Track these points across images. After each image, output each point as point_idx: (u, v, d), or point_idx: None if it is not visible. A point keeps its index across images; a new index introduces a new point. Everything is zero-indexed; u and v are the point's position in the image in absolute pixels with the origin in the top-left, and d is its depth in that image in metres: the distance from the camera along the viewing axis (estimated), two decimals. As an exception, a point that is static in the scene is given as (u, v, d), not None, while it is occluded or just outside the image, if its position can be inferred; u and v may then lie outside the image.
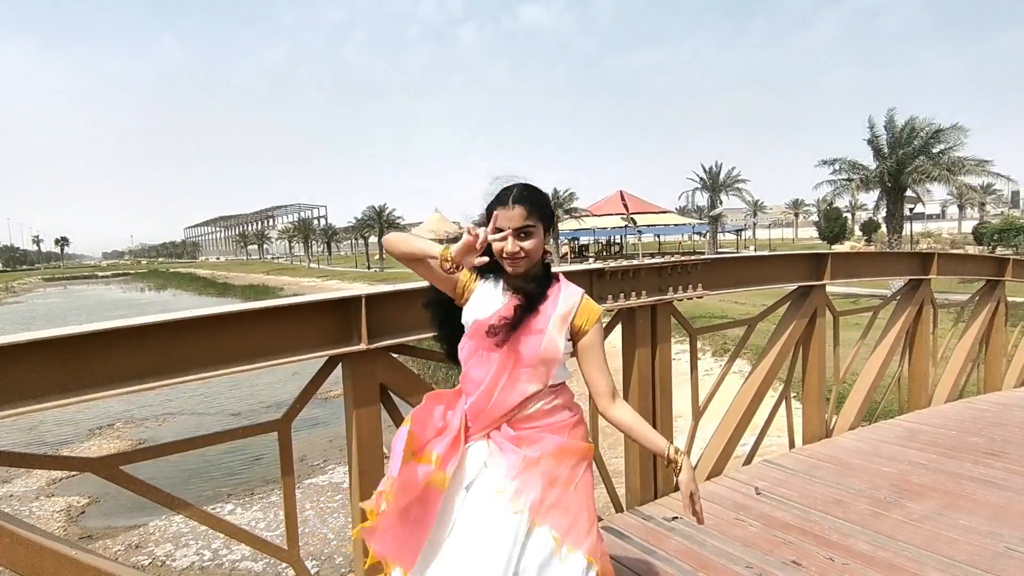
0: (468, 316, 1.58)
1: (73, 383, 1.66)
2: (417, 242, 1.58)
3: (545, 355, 1.53)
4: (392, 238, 1.60)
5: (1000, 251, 26.23)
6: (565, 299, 1.57)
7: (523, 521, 1.45)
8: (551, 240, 1.62)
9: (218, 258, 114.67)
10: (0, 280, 72.99)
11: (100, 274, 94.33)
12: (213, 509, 7.87)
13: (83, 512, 8.07)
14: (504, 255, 1.52)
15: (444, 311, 1.65)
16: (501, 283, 1.60)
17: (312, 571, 6.56)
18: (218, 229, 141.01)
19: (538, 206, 1.54)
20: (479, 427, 1.55)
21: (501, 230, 1.51)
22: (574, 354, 1.60)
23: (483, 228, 1.46)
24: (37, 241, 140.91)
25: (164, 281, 65.97)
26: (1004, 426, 3.95)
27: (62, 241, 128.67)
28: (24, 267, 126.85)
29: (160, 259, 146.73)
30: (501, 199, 1.53)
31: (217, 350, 1.87)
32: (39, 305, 45.61)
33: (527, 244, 1.52)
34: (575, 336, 1.57)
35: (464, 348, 1.59)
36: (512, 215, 1.50)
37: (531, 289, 1.55)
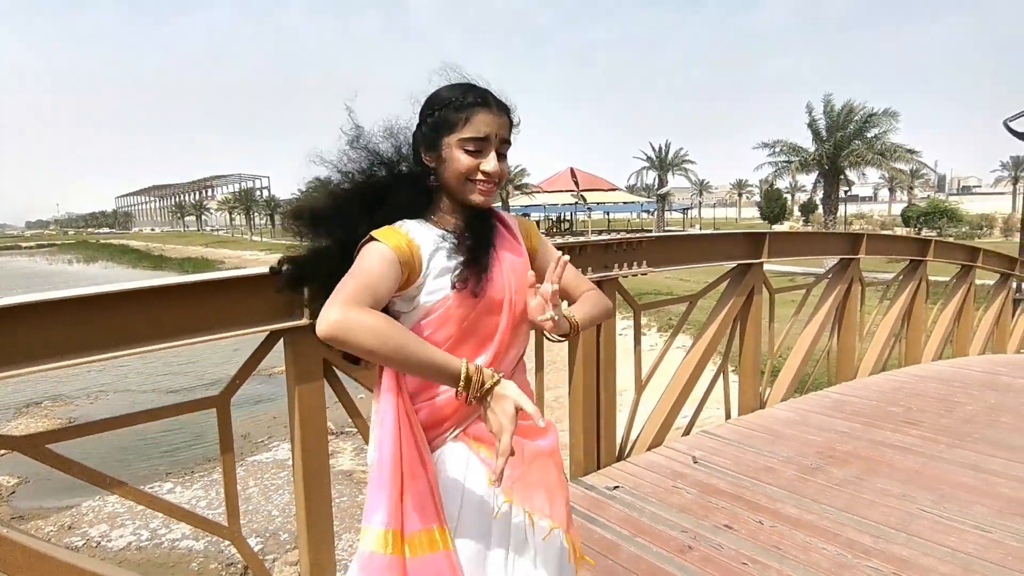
0: (431, 289, 1.13)
1: (-8, 359, 1.57)
2: (415, 342, 1.01)
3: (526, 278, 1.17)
4: (365, 326, 0.97)
5: (925, 233, 27.81)
6: (504, 219, 1.26)
7: (528, 522, 1.19)
8: None
9: (153, 229, 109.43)
10: (-92, 250, 67.64)
11: (24, 245, 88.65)
12: (150, 488, 7.64)
13: (13, 492, 7.72)
14: (479, 177, 1.13)
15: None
16: (431, 227, 1.17)
17: (256, 548, 6.51)
18: (152, 199, 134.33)
19: (512, 120, 1.19)
20: (449, 425, 1.17)
21: (481, 140, 1.11)
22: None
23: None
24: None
25: (94, 253, 62.65)
26: (921, 396, 4.23)
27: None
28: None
29: (89, 230, 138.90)
30: (480, 99, 1.12)
31: (151, 324, 1.79)
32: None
33: (504, 165, 1.15)
34: (534, 259, 1.28)
35: (446, 324, 1.13)
36: (501, 122, 1.13)
37: (481, 215, 1.19)
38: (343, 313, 0.97)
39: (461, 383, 1.02)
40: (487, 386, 1.03)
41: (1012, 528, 2.43)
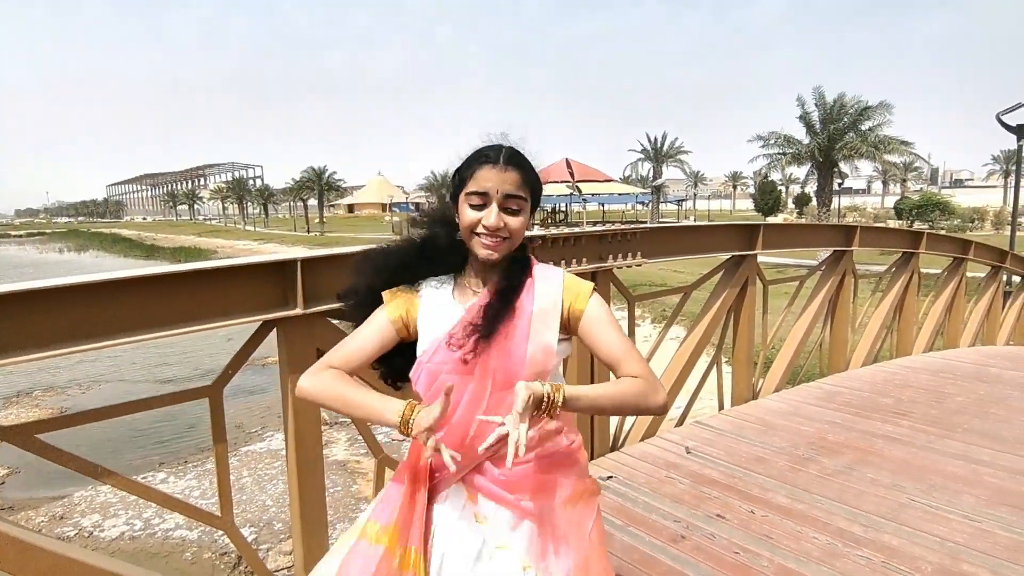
0: (421, 344, 1.23)
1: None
2: (356, 396, 1.18)
3: (534, 362, 1.17)
4: (317, 388, 1.20)
5: (917, 225, 27.94)
6: (544, 283, 1.22)
7: None
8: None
9: (144, 218, 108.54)
10: None
11: (13, 233, 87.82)
12: (143, 478, 7.63)
13: (3, 483, 7.69)
14: (480, 231, 1.16)
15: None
16: (451, 286, 1.26)
17: (250, 537, 6.51)
18: (144, 187, 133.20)
19: (532, 177, 1.19)
20: (447, 474, 1.19)
21: (482, 195, 1.15)
22: (570, 346, 1.27)
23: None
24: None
25: (85, 242, 62.18)
26: (911, 388, 4.27)
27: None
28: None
29: (80, 218, 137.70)
30: (486, 156, 1.17)
31: (144, 313, 1.78)
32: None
33: (513, 221, 1.16)
34: (570, 322, 1.22)
35: (420, 377, 1.21)
36: (504, 178, 1.15)
37: (502, 282, 1.20)
38: (302, 382, 1.22)
39: (399, 420, 1.12)
40: (415, 417, 1.11)
41: (1000, 518, 2.46)
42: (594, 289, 1.26)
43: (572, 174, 33.30)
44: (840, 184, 26.79)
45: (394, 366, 1.30)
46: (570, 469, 1.24)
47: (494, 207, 1.15)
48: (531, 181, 1.19)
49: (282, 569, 5.59)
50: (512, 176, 1.16)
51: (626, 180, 52.44)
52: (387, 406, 1.14)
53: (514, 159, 1.18)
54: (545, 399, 1.06)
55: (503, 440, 1.03)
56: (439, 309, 1.23)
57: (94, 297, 1.72)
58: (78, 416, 1.78)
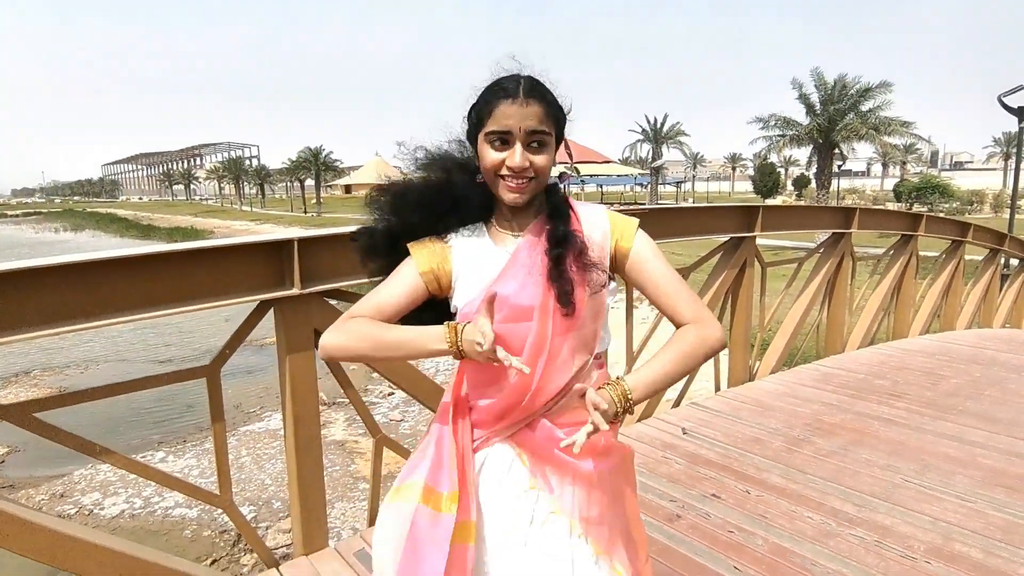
0: (462, 296, 1.12)
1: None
2: (390, 335, 1.07)
3: (597, 302, 1.10)
4: (343, 339, 1.08)
5: (916, 208, 27.92)
6: (589, 221, 1.13)
7: (584, 549, 1.09)
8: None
9: (140, 198, 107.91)
10: None
11: (9, 213, 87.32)
12: (142, 457, 7.68)
13: (2, 462, 7.72)
14: (505, 172, 1.06)
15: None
16: (484, 233, 1.15)
17: (249, 516, 6.56)
18: (140, 167, 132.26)
19: (555, 109, 1.08)
20: (500, 427, 1.11)
21: (503, 133, 1.04)
22: (619, 287, 1.18)
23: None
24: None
25: (81, 221, 61.88)
26: (907, 370, 4.29)
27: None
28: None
29: (76, 198, 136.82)
30: (504, 89, 1.05)
31: (142, 293, 1.78)
32: (-62, 245, 42.02)
33: (539, 159, 1.06)
34: (616, 259, 1.14)
35: None
36: (526, 113, 1.03)
37: (550, 220, 1.11)
38: (325, 338, 1.08)
39: (448, 343, 1.03)
40: (462, 335, 1.03)
41: (992, 498, 2.48)
42: (639, 225, 1.16)
43: (570, 155, 32.90)
44: (840, 166, 26.68)
45: (424, 323, 1.12)
46: (616, 433, 1.18)
47: (518, 146, 1.04)
48: (555, 113, 1.08)
49: (281, 547, 5.65)
50: (534, 110, 1.04)
51: (625, 161, 52.17)
52: (429, 334, 1.05)
53: (536, 90, 1.06)
54: (617, 408, 1.03)
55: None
56: (478, 257, 1.12)
57: (91, 276, 1.71)
58: (77, 395, 1.78)
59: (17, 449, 7.87)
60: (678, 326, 1.14)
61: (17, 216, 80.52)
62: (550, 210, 1.13)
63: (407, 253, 1.14)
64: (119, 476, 7.07)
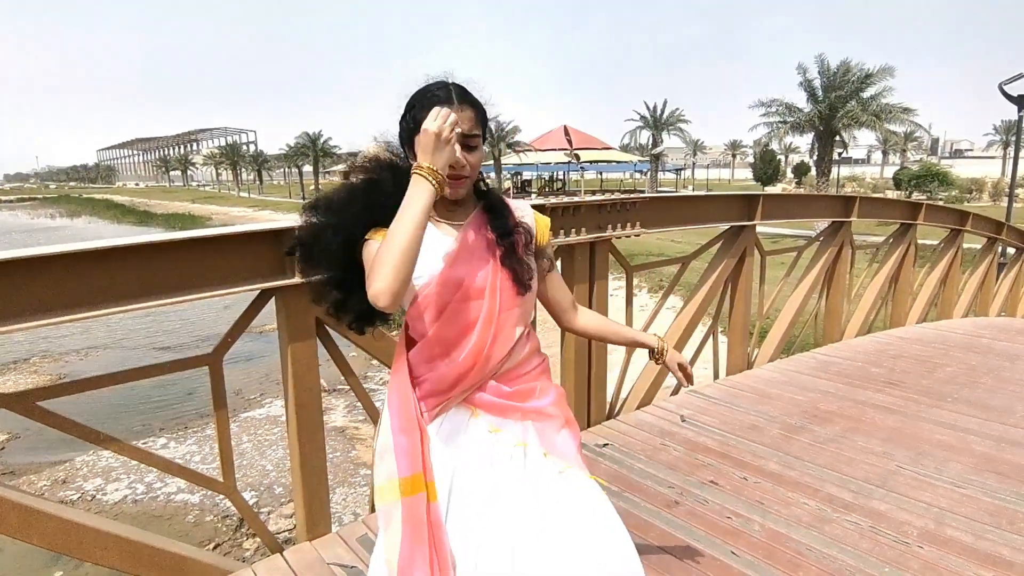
0: (417, 273, 1.18)
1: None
2: (392, 226, 1.12)
3: (532, 285, 1.30)
4: (381, 271, 1.09)
5: (916, 196, 27.88)
6: (521, 212, 1.33)
7: (550, 465, 1.29)
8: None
9: (137, 184, 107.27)
10: None
11: (4, 199, 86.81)
12: (144, 444, 7.71)
13: (3, 448, 7.76)
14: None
15: (343, 267, 1.25)
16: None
17: (251, 501, 6.60)
18: (136, 152, 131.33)
19: (483, 113, 1.23)
20: (455, 393, 1.26)
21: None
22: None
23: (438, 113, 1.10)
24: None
25: (77, 208, 61.62)
26: (904, 358, 4.31)
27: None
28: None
29: (71, 183, 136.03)
30: (439, 97, 1.18)
31: (141, 281, 1.78)
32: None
33: (472, 158, 1.21)
34: (537, 255, 1.35)
35: (427, 307, 1.24)
36: (460, 117, 1.16)
37: (491, 213, 1.28)
38: (375, 289, 1.09)
39: (429, 179, 1.12)
40: (435, 166, 1.12)
41: (984, 484, 2.51)
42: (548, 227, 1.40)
43: (571, 142, 32.92)
44: (840, 154, 26.59)
45: (362, 310, 1.25)
46: (547, 377, 1.39)
47: (456, 147, 1.15)
48: (483, 117, 1.23)
49: (283, 531, 5.71)
50: (468, 114, 1.19)
51: (625, 148, 51.98)
52: (411, 193, 1.11)
53: (467, 97, 1.21)
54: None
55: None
56: (428, 239, 1.18)
57: (91, 265, 1.71)
58: (79, 383, 1.79)
59: (17, 436, 7.90)
60: (562, 306, 1.46)
61: (11, 202, 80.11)
62: (489, 203, 1.30)
63: (344, 253, 1.23)
64: (121, 462, 7.11)
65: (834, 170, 27.18)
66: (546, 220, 1.38)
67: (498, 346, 1.25)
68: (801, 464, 2.70)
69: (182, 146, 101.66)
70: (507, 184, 42.95)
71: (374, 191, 1.25)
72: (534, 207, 1.41)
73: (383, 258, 1.09)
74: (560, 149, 37.74)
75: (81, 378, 1.82)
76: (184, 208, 48.71)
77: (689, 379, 1.50)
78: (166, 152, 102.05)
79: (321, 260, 1.26)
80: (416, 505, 1.22)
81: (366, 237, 1.23)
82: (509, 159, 40.24)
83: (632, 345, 1.59)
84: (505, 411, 1.28)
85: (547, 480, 1.27)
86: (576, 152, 34.27)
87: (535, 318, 1.39)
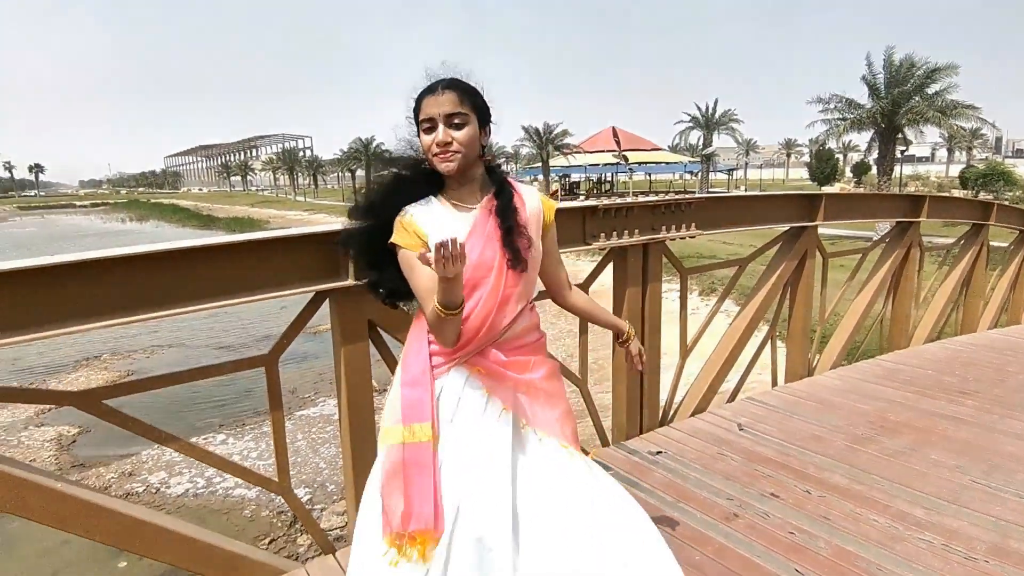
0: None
1: (52, 315, 1.62)
2: (424, 292, 1.37)
3: (534, 260, 1.45)
4: (441, 330, 1.36)
5: (982, 196, 26.35)
6: (529, 197, 1.49)
7: (536, 439, 1.45)
8: (487, 138, 1.44)
9: (200, 189, 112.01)
10: (-28, 209, 71.16)
11: (78, 203, 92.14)
12: (204, 439, 8.01)
13: (74, 441, 8.17)
14: (435, 149, 1.36)
15: (375, 252, 1.45)
16: (437, 204, 1.44)
17: (305, 498, 6.74)
18: (199, 159, 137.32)
19: (470, 95, 1.39)
20: (460, 355, 1.41)
21: (429, 120, 1.36)
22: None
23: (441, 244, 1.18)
24: (9, 168, 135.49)
25: (145, 212, 64.79)
26: (977, 366, 4.05)
27: (36, 168, 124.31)
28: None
29: (140, 189, 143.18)
30: (427, 89, 1.39)
31: (204, 283, 1.82)
32: (15, 234, 44.71)
33: (460, 134, 1.36)
34: (543, 235, 1.51)
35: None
36: (441, 100, 1.35)
37: (501, 195, 1.43)
38: (444, 343, 1.39)
39: (442, 315, 1.32)
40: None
41: (1072, 504, 2.32)
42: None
43: (619, 143, 32.52)
44: (903, 152, 25.39)
45: (394, 287, 1.47)
46: (543, 353, 1.54)
47: (440, 127, 1.35)
48: (470, 98, 1.39)
49: (335, 528, 5.82)
50: (449, 97, 1.36)
51: (674, 149, 51.09)
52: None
53: (450, 84, 1.38)
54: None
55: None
56: (441, 221, 1.41)
57: (159, 266, 1.76)
58: (142, 382, 1.85)
59: (88, 430, 8.30)
60: (558, 284, 1.63)
61: (86, 207, 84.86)
62: (497, 189, 1.45)
63: (381, 246, 1.43)
64: (183, 457, 7.39)
65: (896, 168, 25.98)
66: (552, 204, 1.54)
67: (500, 317, 1.40)
68: (869, 478, 2.56)
69: (242, 152, 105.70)
70: (555, 186, 42.81)
71: (402, 186, 1.46)
72: (585, 208, 1.49)
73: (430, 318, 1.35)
74: (608, 151, 37.35)
75: (144, 377, 1.88)
76: (244, 212, 50.53)
77: (640, 365, 1.69)
78: (227, 158, 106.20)
79: (365, 252, 1.49)
80: (419, 450, 1.36)
81: (398, 244, 1.41)
82: (557, 161, 40.11)
83: (609, 327, 1.74)
84: (500, 378, 1.42)
85: (530, 445, 1.44)
86: (624, 153, 33.86)
87: (535, 295, 1.55)
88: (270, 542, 5.77)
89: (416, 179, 1.45)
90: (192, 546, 1.85)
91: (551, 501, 1.39)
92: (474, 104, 1.39)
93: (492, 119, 1.45)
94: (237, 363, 2.01)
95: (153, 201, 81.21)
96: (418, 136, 1.42)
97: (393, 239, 1.41)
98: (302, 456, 7.46)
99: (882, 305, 4.42)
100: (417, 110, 1.39)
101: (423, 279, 1.35)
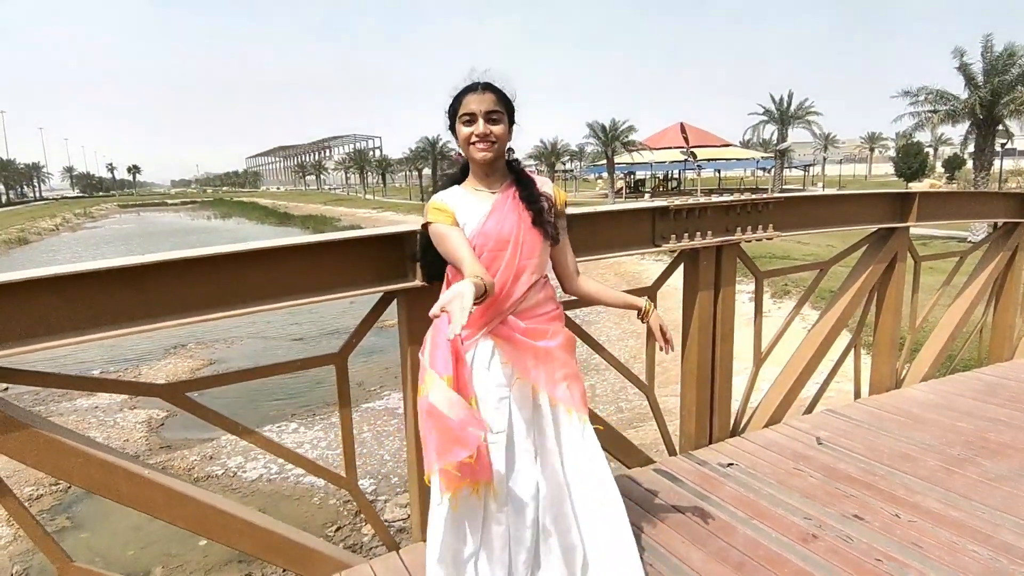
0: (466, 226, 1.64)
1: (140, 312, 1.69)
2: (457, 252, 1.59)
3: (559, 238, 1.70)
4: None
5: (1100, 192, 23.96)
6: (544, 187, 1.71)
7: (550, 406, 1.67)
8: (511, 137, 1.67)
9: (278, 188, 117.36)
10: (80, 206, 77.38)
11: (170, 202, 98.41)
12: (278, 427, 8.36)
13: (162, 424, 8.71)
14: (473, 139, 1.59)
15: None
16: (461, 190, 1.68)
17: (370, 488, 6.89)
18: (277, 159, 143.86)
19: (505, 98, 1.62)
20: (483, 322, 1.61)
21: (470, 114, 1.58)
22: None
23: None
24: (111, 169, 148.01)
25: (228, 209, 68.38)
26: (1096, 384, 3.67)
27: (134, 169, 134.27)
28: (100, 194, 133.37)
29: (224, 188, 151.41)
30: (470, 86, 1.61)
31: (280, 282, 1.88)
32: (119, 230, 48.24)
33: (496, 129, 1.59)
34: (555, 220, 1.71)
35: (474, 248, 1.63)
36: (483, 98, 1.58)
37: (520, 181, 1.67)
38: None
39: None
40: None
41: None
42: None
43: (687, 139, 31.66)
44: (1004, 145, 23.46)
45: (438, 266, 1.73)
46: (561, 321, 1.74)
47: (480, 120, 1.58)
48: (504, 100, 1.62)
49: (398, 520, 5.94)
50: (489, 96, 1.59)
51: (746, 145, 49.27)
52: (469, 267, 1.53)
53: (489, 86, 1.61)
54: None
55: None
56: (468, 203, 1.64)
57: (240, 266, 1.82)
58: (221, 378, 1.93)
59: (174, 414, 8.83)
60: (567, 270, 1.80)
61: (176, 205, 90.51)
62: (518, 178, 1.68)
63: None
64: (257, 444, 7.73)
65: (995, 163, 24.05)
66: (563, 194, 1.77)
67: (516, 286, 1.61)
68: (968, 503, 2.35)
69: (316, 153, 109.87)
70: (619, 184, 42.15)
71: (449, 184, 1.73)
72: (655, 208, 1.89)
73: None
74: (676, 147, 36.46)
75: (223, 373, 1.95)
76: (317, 210, 52.46)
77: (669, 343, 1.74)
78: (303, 158, 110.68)
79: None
80: (446, 392, 1.49)
81: (430, 221, 1.64)
82: (622, 158, 39.49)
83: (624, 306, 1.85)
84: (520, 346, 1.62)
85: (544, 410, 1.66)
86: (692, 150, 32.91)
87: (547, 270, 1.76)
88: (336, 530, 5.95)
89: (450, 175, 1.76)
90: (265, 536, 1.90)
91: (556, 450, 1.67)
92: (507, 107, 1.63)
93: (516, 121, 1.67)
94: (309, 360, 2.05)
95: (235, 199, 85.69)
96: (451, 128, 1.65)
97: (425, 220, 1.66)
98: (367, 448, 7.65)
99: (982, 313, 4.07)
100: (458, 105, 1.61)
101: (454, 246, 1.57)
